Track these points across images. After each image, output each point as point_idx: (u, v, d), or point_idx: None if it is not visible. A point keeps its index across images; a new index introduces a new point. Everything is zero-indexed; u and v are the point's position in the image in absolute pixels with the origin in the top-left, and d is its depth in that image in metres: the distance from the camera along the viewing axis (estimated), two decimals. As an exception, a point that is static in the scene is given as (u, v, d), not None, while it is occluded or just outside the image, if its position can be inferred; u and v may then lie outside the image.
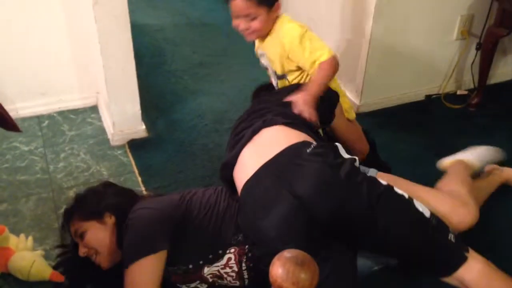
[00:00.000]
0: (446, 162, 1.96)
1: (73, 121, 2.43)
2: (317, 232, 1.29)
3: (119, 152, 2.24)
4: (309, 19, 2.82)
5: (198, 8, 3.70)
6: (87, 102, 2.52)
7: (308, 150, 1.40)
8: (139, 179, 2.09)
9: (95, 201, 1.53)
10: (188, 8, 3.69)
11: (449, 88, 2.67)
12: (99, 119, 2.45)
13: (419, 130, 2.43)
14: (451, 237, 1.38)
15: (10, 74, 2.29)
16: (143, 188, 2.03)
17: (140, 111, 2.26)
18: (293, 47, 1.76)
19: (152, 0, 3.65)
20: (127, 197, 1.58)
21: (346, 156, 1.47)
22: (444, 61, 2.59)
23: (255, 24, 1.76)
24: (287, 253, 0.80)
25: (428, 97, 2.63)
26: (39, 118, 2.42)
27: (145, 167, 2.14)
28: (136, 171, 2.12)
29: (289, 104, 1.64)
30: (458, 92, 2.68)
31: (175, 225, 1.43)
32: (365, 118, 2.49)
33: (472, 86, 2.69)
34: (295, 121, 1.55)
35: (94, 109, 2.51)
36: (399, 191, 1.39)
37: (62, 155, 2.21)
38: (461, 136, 2.36)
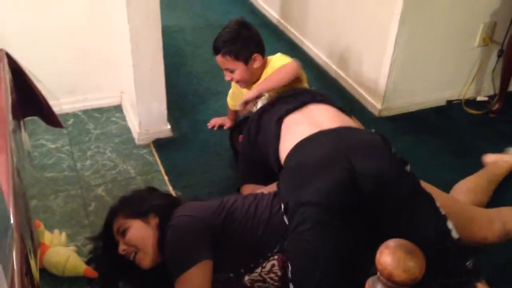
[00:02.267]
0: (489, 157, 2.12)
1: (98, 120, 2.45)
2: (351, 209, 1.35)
3: (144, 151, 2.26)
4: (330, 22, 2.85)
5: (216, 11, 3.73)
6: (111, 102, 2.55)
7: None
8: (166, 178, 2.11)
9: (140, 201, 1.55)
10: (207, 11, 3.72)
11: (470, 94, 2.69)
12: (123, 119, 2.47)
13: (440, 135, 2.45)
14: (470, 265, 1.37)
15: (38, 73, 2.30)
16: (170, 187, 2.05)
17: (166, 111, 2.28)
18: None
19: (171, 2, 3.68)
20: (170, 201, 1.59)
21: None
22: (465, 67, 2.61)
23: (236, 76, 2.02)
24: (393, 242, 0.81)
25: (449, 102, 2.65)
26: (64, 116, 2.44)
27: (171, 167, 2.16)
28: (162, 170, 2.14)
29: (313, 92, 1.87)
30: (478, 98, 2.70)
31: (215, 234, 1.43)
32: (387, 122, 2.52)
33: (492, 92, 2.71)
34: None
35: (118, 108, 2.54)
36: (438, 204, 1.41)
37: (89, 153, 2.23)
38: (482, 142, 2.38)
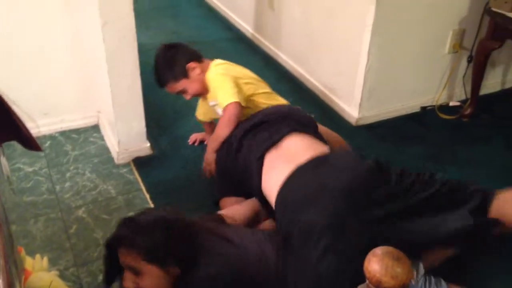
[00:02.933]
0: None
1: (76, 141, 2.42)
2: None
3: (124, 170, 2.24)
4: (304, 34, 2.89)
5: (190, 27, 3.75)
6: (89, 122, 2.53)
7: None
8: (147, 196, 2.09)
9: (157, 241, 1.34)
10: (180, 27, 3.74)
11: (443, 99, 2.75)
12: (102, 138, 2.45)
13: (417, 141, 2.49)
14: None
15: (13, 95, 2.27)
16: (152, 206, 2.04)
17: (145, 129, 2.27)
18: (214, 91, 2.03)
19: (144, 20, 3.68)
20: (192, 242, 1.41)
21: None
22: (437, 73, 2.68)
23: (190, 92, 2.10)
24: (380, 250, 0.83)
25: (424, 108, 2.71)
26: (40, 139, 2.41)
27: (152, 185, 2.15)
28: (144, 189, 2.13)
29: (293, 112, 1.91)
30: (451, 104, 2.77)
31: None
32: (364, 130, 2.56)
33: (463, 97, 2.77)
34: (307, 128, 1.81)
35: (95, 128, 2.52)
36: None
37: (68, 174, 2.20)
38: (457, 146, 2.44)
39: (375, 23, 2.30)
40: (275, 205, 1.61)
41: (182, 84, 2.07)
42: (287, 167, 1.62)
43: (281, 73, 3.10)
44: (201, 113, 2.34)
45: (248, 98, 2.02)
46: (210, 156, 1.99)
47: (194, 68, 2.05)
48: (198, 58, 2.08)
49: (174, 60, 2.05)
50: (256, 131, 1.85)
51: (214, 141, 1.99)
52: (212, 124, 2.35)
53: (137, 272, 1.35)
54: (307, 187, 1.51)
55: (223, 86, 1.98)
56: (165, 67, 2.07)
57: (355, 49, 2.45)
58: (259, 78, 2.15)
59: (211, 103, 2.13)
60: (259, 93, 2.05)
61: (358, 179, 1.50)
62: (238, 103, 1.93)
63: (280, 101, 2.10)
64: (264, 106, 2.03)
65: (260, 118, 1.90)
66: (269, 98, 2.08)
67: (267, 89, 2.12)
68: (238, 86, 1.99)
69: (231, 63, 2.16)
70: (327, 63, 2.75)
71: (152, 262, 1.33)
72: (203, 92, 2.11)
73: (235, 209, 1.78)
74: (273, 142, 1.75)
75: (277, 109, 1.98)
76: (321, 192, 1.46)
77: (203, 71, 2.07)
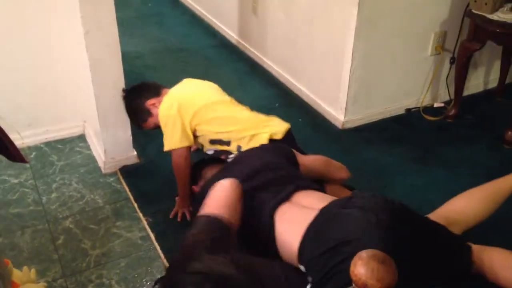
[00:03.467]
0: None
1: (61, 151, 2.41)
2: None
3: (111, 179, 2.23)
4: (289, 40, 2.91)
5: (175, 34, 3.74)
6: (74, 132, 2.51)
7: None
8: (135, 205, 2.08)
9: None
10: (165, 35, 3.74)
11: (427, 101, 2.78)
12: (88, 148, 2.43)
13: (402, 142, 2.51)
14: None
15: (-4, 107, 2.27)
16: (140, 214, 2.03)
17: (131, 138, 2.26)
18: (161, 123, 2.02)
19: (128, 28, 3.68)
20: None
21: None
22: (421, 75, 2.71)
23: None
24: (366, 253, 0.83)
25: (408, 110, 2.74)
26: (25, 150, 2.39)
27: (140, 193, 2.14)
28: (131, 197, 2.12)
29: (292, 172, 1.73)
30: (435, 105, 2.80)
31: None
32: (350, 134, 2.58)
33: (447, 98, 2.81)
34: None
35: (81, 138, 2.50)
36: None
37: (54, 185, 2.19)
38: (443, 147, 2.46)
39: (358, 27, 2.32)
40: (301, 248, 1.45)
41: (151, 122, 2.09)
42: (308, 213, 1.48)
43: (266, 78, 3.11)
44: None
45: (199, 127, 1.98)
46: (182, 202, 2.00)
47: (154, 104, 2.06)
48: (156, 93, 2.07)
49: (136, 104, 2.09)
50: (258, 191, 1.64)
51: (179, 187, 2.00)
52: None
53: None
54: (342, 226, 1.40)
55: (166, 130, 1.98)
56: (132, 114, 2.14)
57: (339, 53, 2.47)
58: (215, 92, 2.10)
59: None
60: (213, 118, 1.98)
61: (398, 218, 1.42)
62: (179, 150, 1.96)
63: (239, 112, 2.03)
64: (220, 126, 1.97)
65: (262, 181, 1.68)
66: (228, 111, 2.02)
67: (224, 104, 2.04)
68: (182, 124, 1.94)
69: (185, 83, 2.11)
70: (312, 67, 2.77)
71: None
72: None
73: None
74: (282, 199, 1.58)
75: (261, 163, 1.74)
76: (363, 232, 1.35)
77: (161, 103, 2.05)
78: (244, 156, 1.83)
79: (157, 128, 2.08)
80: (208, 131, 1.98)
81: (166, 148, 1.97)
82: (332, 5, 2.48)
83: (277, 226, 1.50)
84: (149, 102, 2.06)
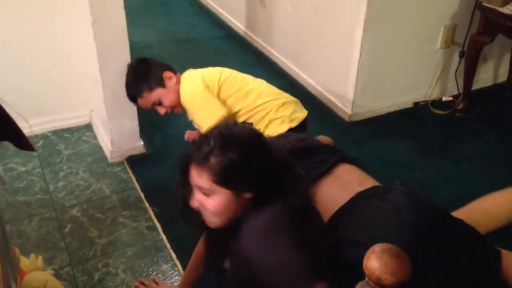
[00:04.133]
0: None
1: (68, 140, 2.41)
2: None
3: (118, 169, 2.23)
4: (296, 31, 2.89)
5: (182, 25, 3.73)
6: (81, 121, 2.52)
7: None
8: (142, 194, 2.09)
9: (236, 164, 1.17)
10: (172, 25, 3.72)
11: (435, 95, 2.77)
12: (95, 137, 2.44)
13: (410, 136, 2.50)
14: None
15: (3, 94, 2.26)
16: (147, 204, 2.03)
17: (138, 127, 2.26)
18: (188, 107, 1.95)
19: (136, 17, 3.66)
20: (275, 172, 1.24)
21: None
22: (429, 69, 2.69)
23: (166, 104, 2.00)
24: (379, 247, 0.83)
25: (416, 104, 2.72)
26: (33, 138, 2.39)
27: (146, 183, 2.14)
28: (138, 187, 2.12)
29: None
30: (444, 99, 2.78)
31: None
32: (358, 126, 2.56)
33: (456, 92, 2.79)
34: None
35: (88, 127, 2.50)
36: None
37: (61, 174, 2.19)
38: (451, 141, 2.45)
39: (366, 19, 2.31)
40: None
41: (157, 94, 1.96)
42: (342, 194, 1.45)
43: (273, 70, 3.10)
44: None
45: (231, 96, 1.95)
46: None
47: (170, 78, 1.96)
48: (172, 69, 2.00)
49: (148, 70, 1.96)
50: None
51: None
52: None
53: (206, 193, 1.22)
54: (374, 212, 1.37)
55: (199, 108, 1.88)
56: (138, 79, 1.97)
57: (347, 45, 2.46)
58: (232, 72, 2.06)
59: (190, 118, 2.05)
60: (247, 91, 1.97)
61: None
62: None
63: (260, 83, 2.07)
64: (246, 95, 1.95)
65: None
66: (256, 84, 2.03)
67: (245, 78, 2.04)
68: (213, 96, 1.89)
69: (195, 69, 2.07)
70: (320, 60, 2.75)
71: (221, 184, 1.19)
72: (179, 104, 2.00)
73: None
74: (322, 172, 1.52)
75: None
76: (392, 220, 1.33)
77: (179, 82, 1.98)
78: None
79: (152, 107, 2.00)
80: (242, 106, 1.94)
81: (209, 123, 1.77)
82: (341, -4, 2.47)
83: (313, 200, 1.45)
84: (167, 74, 1.96)
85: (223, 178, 1.18)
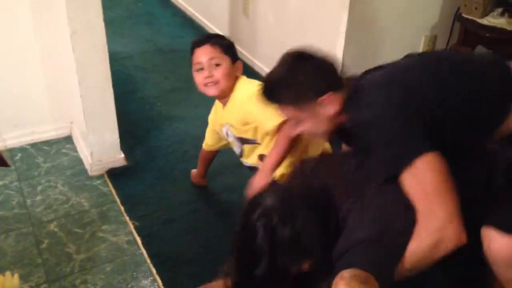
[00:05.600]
0: None
1: (47, 153, 2.37)
2: None
3: (98, 182, 2.20)
4: (279, 41, 2.89)
5: (165, 35, 3.72)
6: (61, 133, 2.48)
7: None
8: (122, 208, 2.06)
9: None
10: (155, 35, 3.70)
11: (417, 105, 2.78)
12: (74, 150, 2.40)
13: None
14: None
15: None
16: (127, 218, 2.00)
17: (118, 140, 2.24)
18: (252, 108, 1.74)
19: (118, 27, 3.65)
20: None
21: None
22: (411, 79, 2.70)
23: (218, 73, 1.76)
24: (347, 273, 0.82)
25: (398, 114, 2.73)
26: (11, 152, 2.35)
27: (127, 196, 2.12)
28: (118, 201, 2.09)
29: None
30: (425, 109, 2.79)
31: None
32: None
33: (437, 102, 2.80)
34: None
35: (68, 139, 2.47)
36: None
37: (39, 188, 2.15)
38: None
39: (348, 30, 2.31)
40: None
41: (224, 60, 1.78)
42: None
43: (257, 80, 3.09)
44: (211, 144, 2.07)
45: None
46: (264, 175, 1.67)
47: (238, 68, 1.82)
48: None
49: (231, 46, 1.81)
50: None
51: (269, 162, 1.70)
52: (212, 156, 2.14)
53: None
54: None
55: (262, 110, 1.65)
56: (220, 38, 1.82)
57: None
58: None
59: (225, 129, 1.89)
60: None
61: None
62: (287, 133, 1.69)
63: None
64: None
65: None
66: None
67: None
68: None
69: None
70: (302, 70, 2.75)
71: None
72: (224, 89, 1.81)
73: None
74: None
75: None
76: None
77: (235, 81, 1.83)
78: None
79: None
80: None
81: (276, 122, 1.69)
82: (322, 8, 2.47)
83: None
84: (239, 62, 1.84)
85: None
